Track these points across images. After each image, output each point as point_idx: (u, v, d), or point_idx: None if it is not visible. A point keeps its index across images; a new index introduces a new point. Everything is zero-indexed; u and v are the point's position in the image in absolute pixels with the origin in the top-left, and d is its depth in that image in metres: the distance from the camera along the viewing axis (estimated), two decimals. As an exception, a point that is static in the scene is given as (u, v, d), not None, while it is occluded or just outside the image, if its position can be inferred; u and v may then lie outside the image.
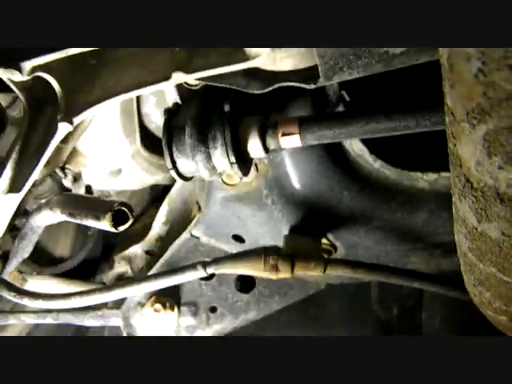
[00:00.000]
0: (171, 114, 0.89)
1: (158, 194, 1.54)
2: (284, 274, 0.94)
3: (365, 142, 0.97)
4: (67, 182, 1.31)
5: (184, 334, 1.16)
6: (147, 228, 1.42)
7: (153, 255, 1.39)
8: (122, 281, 1.13)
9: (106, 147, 1.21)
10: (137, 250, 1.41)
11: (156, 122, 1.22)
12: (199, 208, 1.15)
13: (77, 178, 1.33)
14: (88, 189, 1.36)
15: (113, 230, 0.82)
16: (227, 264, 0.96)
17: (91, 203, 0.87)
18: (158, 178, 1.36)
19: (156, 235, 1.35)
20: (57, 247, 1.62)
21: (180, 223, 1.28)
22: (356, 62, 0.64)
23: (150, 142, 1.24)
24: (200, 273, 0.97)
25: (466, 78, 0.36)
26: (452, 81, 0.38)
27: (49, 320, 1.33)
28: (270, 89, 0.72)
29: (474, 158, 0.35)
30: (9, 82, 0.76)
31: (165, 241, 1.34)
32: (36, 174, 0.81)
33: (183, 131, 0.86)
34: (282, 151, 0.97)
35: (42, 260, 1.55)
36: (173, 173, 0.88)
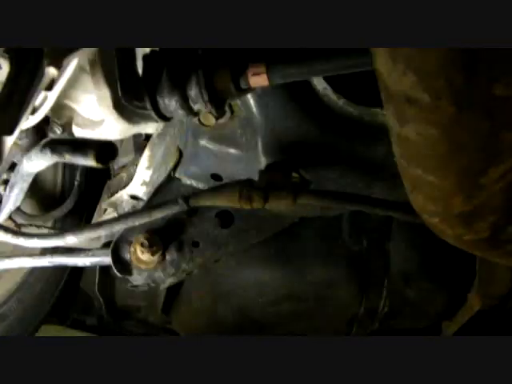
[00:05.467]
0: (149, 60, 0.96)
1: (141, 143, 1.61)
2: (257, 204, 1.03)
3: (330, 82, 1.05)
4: (53, 135, 1.37)
5: (170, 267, 1.26)
6: (132, 176, 1.50)
7: (138, 199, 1.47)
8: (109, 219, 1.22)
9: (89, 99, 1.28)
10: (122, 195, 1.50)
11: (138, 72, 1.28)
12: (179, 151, 1.24)
13: (63, 131, 1.39)
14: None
15: (98, 165, 0.91)
16: (206, 197, 1.06)
17: (79, 143, 0.95)
18: (140, 127, 1.42)
19: (140, 180, 1.43)
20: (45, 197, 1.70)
21: (162, 167, 1.36)
22: None
23: (131, 92, 1.30)
24: (181, 206, 1.06)
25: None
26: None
27: (44, 262, 1.41)
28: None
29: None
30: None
31: (148, 185, 1.42)
32: (25, 117, 0.89)
33: (161, 76, 0.94)
34: (253, 92, 1.05)
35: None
36: (152, 113, 0.97)
